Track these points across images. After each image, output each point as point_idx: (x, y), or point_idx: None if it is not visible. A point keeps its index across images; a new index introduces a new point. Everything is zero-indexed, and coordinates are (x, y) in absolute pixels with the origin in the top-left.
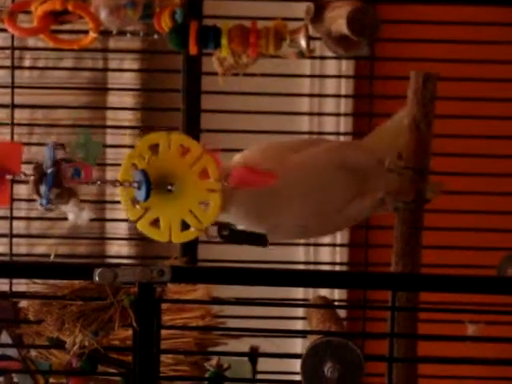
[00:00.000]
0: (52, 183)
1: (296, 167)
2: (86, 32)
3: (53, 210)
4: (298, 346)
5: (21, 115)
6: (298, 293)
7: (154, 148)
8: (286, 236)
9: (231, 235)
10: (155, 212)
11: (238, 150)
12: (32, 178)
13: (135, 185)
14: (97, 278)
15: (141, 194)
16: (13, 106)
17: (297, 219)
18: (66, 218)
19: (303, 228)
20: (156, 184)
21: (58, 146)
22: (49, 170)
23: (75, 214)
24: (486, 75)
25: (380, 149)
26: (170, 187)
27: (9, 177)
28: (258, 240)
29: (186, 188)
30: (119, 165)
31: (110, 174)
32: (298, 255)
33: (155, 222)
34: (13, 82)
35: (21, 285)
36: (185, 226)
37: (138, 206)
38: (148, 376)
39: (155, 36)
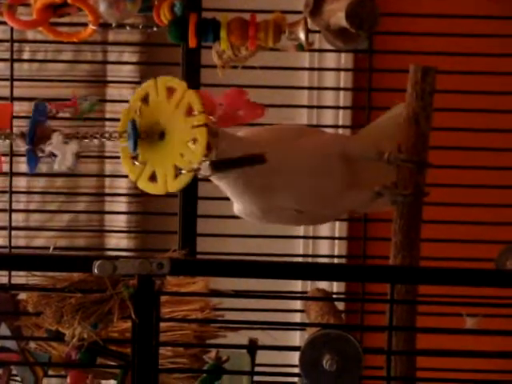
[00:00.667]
0: (34, 126)
1: (299, 151)
2: (85, 25)
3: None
4: (297, 338)
5: (20, 108)
6: (297, 286)
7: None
8: (280, 219)
9: (226, 164)
10: (151, 165)
11: None
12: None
13: (126, 135)
14: (96, 271)
15: (130, 145)
16: (12, 99)
17: (294, 202)
18: (65, 211)
19: (298, 213)
20: (149, 134)
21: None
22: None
23: (60, 151)
24: (486, 68)
25: (379, 141)
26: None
27: None
28: (255, 159)
29: (174, 132)
30: (118, 157)
31: (109, 165)
32: (297, 248)
33: (154, 179)
34: (12, 75)
35: (20, 277)
36: None
37: (136, 163)
38: (147, 368)
39: (154, 29)
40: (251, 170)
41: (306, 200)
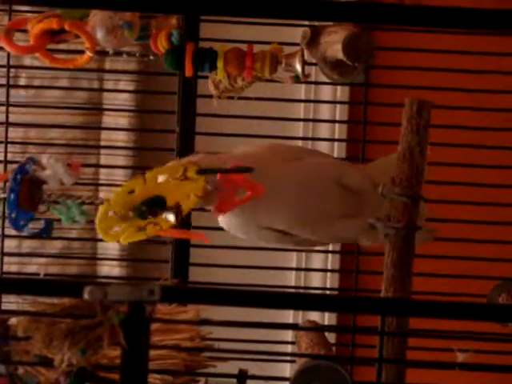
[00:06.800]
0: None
1: (291, 171)
2: (81, 52)
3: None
4: (287, 371)
5: (15, 134)
6: (288, 318)
7: None
8: (259, 238)
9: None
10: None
11: None
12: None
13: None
14: (87, 296)
15: None
16: (7, 124)
17: (278, 223)
18: (57, 238)
19: (282, 235)
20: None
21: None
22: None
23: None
24: (481, 104)
25: (377, 175)
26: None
27: None
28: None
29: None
30: (112, 185)
31: (103, 193)
32: (289, 280)
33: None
34: (8, 100)
35: (11, 303)
36: None
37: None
38: None
39: (151, 57)
40: None
41: (293, 222)
